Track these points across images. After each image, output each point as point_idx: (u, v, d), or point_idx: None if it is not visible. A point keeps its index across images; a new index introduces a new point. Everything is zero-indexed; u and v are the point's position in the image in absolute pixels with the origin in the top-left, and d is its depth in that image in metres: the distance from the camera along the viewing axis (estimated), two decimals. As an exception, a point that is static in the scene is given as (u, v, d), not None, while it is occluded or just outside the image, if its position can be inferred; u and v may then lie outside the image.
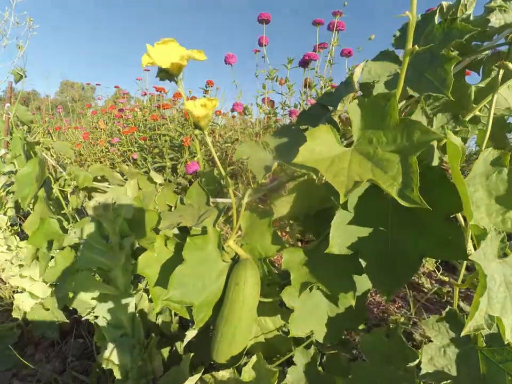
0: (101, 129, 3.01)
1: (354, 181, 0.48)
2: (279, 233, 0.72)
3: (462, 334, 0.46)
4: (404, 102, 0.64)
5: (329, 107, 0.73)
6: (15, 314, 1.14)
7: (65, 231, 1.03)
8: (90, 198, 1.19)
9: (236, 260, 0.72)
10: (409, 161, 0.47)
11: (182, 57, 0.59)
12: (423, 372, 0.53)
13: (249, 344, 0.76)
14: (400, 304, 1.41)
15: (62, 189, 1.16)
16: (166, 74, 0.62)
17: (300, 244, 0.81)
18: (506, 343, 0.46)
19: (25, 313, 1.12)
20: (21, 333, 1.13)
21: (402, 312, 1.34)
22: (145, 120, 2.64)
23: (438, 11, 0.61)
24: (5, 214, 1.32)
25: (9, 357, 1.04)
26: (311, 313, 0.70)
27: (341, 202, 0.48)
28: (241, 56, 2.21)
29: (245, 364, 0.66)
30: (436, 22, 0.57)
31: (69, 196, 1.18)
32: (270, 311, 0.79)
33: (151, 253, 0.80)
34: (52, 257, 1.00)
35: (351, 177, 0.49)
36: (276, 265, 0.84)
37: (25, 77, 1.17)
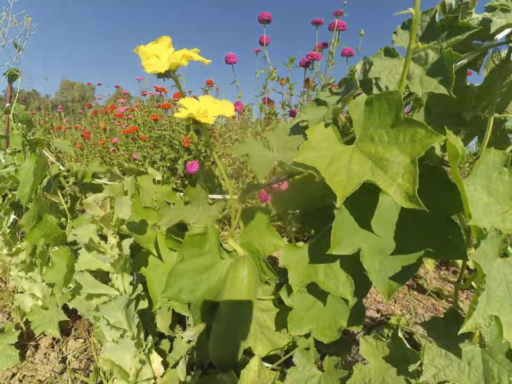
0: (102, 129, 3.01)
1: (353, 183, 0.48)
2: (277, 231, 0.71)
3: (459, 332, 0.46)
4: (405, 99, 0.64)
5: (329, 104, 0.73)
6: (14, 314, 1.14)
7: (63, 227, 1.03)
8: (90, 194, 1.19)
9: (234, 258, 0.72)
10: (410, 162, 0.46)
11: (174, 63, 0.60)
12: (424, 373, 0.52)
13: (248, 343, 0.75)
14: (400, 304, 1.41)
15: (61, 185, 1.15)
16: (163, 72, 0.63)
17: (297, 242, 0.81)
18: (503, 342, 0.45)
19: (25, 313, 1.12)
20: (20, 333, 1.13)
21: (403, 312, 1.34)
22: (145, 120, 2.64)
23: (439, 8, 0.60)
24: (5, 214, 1.32)
25: (9, 357, 1.03)
26: (309, 312, 0.69)
27: (337, 206, 0.47)
28: (243, 56, 2.21)
29: (244, 364, 0.65)
30: (437, 20, 0.57)
31: (67, 192, 1.18)
32: (268, 308, 0.78)
33: (150, 252, 0.79)
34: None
35: (350, 178, 0.49)
36: (275, 262, 0.84)
37: (20, 78, 1.16)
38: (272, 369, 0.73)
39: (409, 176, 0.46)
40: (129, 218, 0.74)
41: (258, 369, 0.65)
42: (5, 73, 1.13)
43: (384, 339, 0.61)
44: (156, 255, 0.78)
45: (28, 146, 1.12)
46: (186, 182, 1.90)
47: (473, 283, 0.74)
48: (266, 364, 0.74)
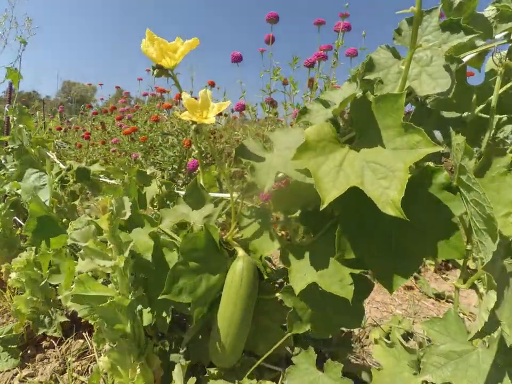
0: (102, 129, 3.01)
1: (339, 186, 0.48)
2: (277, 230, 0.71)
3: (468, 339, 0.46)
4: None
5: (330, 104, 0.72)
6: (15, 316, 1.14)
7: (64, 227, 1.03)
8: (91, 193, 1.19)
9: (233, 257, 0.72)
10: (402, 169, 0.45)
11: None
12: (423, 371, 0.52)
13: (248, 342, 0.75)
14: (401, 305, 1.41)
15: (62, 183, 1.15)
16: (161, 70, 0.63)
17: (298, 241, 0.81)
18: (508, 346, 0.45)
19: (26, 314, 1.12)
20: (21, 334, 1.13)
21: (403, 312, 1.34)
22: (145, 122, 2.65)
23: (442, 5, 0.60)
24: (6, 215, 1.32)
25: (10, 358, 1.04)
26: (308, 311, 0.69)
27: (320, 209, 0.47)
28: (246, 56, 2.20)
29: (244, 363, 0.65)
30: (440, 20, 0.57)
31: (68, 191, 1.18)
32: (268, 308, 0.78)
33: (151, 253, 0.79)
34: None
35: (339, 181, 0.49)
36: (274, 261, 0.84)
37: (21, 78, 1.16)
38: (273, 370, 0.74)
39: (398, 184, 0.45)
40: (128, 219, 0.74)
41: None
42: (6, 76, 1.13)
43: (388, 342, 0.61)
44: (156, 255, 0.78)
45: (27, 144, 1.12)
46: (186, 182, 1.90)
47: (476, 282, 0.73)
48: (266, 365, 0.74)
